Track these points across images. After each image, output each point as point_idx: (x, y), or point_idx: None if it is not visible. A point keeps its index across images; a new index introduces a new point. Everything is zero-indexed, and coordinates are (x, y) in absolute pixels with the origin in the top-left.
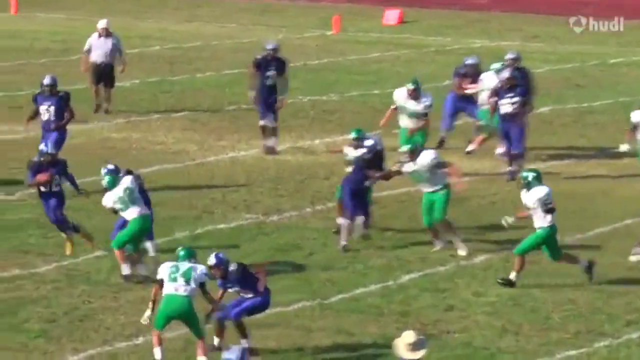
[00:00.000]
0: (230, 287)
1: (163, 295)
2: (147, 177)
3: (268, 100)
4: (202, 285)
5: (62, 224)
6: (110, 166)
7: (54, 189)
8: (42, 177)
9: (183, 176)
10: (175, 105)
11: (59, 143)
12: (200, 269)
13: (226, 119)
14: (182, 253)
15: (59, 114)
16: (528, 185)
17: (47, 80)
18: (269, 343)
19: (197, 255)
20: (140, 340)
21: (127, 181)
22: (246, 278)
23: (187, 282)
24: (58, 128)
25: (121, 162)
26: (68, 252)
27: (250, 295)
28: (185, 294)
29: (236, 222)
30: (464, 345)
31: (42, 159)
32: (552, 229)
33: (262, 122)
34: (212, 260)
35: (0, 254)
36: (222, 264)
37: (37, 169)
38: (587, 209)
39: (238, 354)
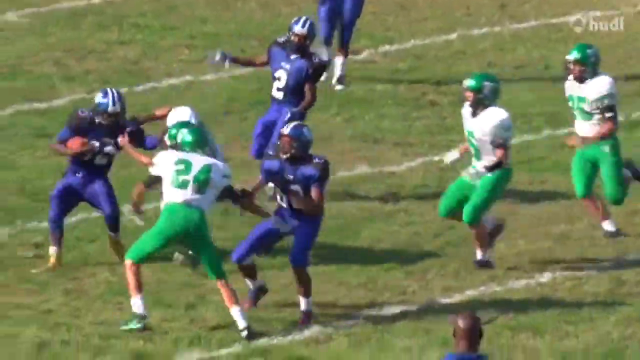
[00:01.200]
0: (287, 184)
1: (165, 204)
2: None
3: None
4: (228, 191)
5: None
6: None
7: (98, 161)
8: (74, 144)
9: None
10: None
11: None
12: (224, 168)
13: None
14: (189, 139)
15: None
16: None
17: None
18: None
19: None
20: (545, 277)
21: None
22: (325, 171)
23: (202, 189)
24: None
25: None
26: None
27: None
28: (197, 205)
29: None
30: None
31: (98, 115)
32: None
33: None
34: (286, 129)
35: None
36: (298, 135)
37: (79, 129)
38: None
39: None
